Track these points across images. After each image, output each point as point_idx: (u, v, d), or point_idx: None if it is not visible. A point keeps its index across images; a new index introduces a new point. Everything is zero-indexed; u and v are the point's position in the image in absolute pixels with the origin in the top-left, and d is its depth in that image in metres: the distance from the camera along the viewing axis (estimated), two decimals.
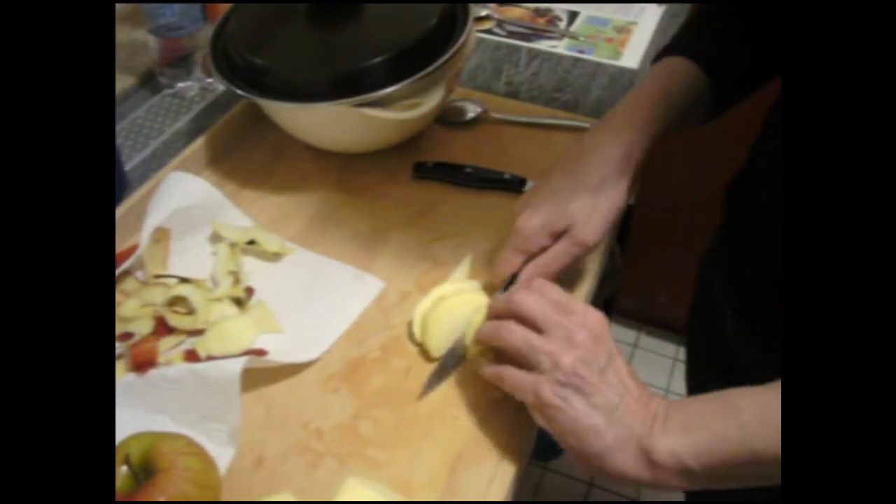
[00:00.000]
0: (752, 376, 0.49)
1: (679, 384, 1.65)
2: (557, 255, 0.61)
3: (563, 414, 0.49)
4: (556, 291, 0.54)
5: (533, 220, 0.60)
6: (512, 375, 0.52)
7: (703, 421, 0.48)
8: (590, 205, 0.60)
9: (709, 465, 0.47)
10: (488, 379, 0.55)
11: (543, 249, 0.61)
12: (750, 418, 0.46)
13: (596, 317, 0.52)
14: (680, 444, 0.47)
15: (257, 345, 0.62)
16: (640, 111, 0.63)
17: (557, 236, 0.60)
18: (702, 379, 0.88)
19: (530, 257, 0.61)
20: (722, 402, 0.49)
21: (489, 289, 0.65)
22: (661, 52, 0.68)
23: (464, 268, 0.68)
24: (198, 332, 0.62)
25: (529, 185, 0.75)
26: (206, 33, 0.85)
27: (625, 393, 0.50)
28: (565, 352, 0.50)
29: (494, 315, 0.56)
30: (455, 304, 0.62)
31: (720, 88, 0.65)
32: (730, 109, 0.68)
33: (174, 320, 0.63)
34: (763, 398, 0.47)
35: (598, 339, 0.51)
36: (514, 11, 1.07)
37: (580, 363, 0.49)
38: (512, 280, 0.62)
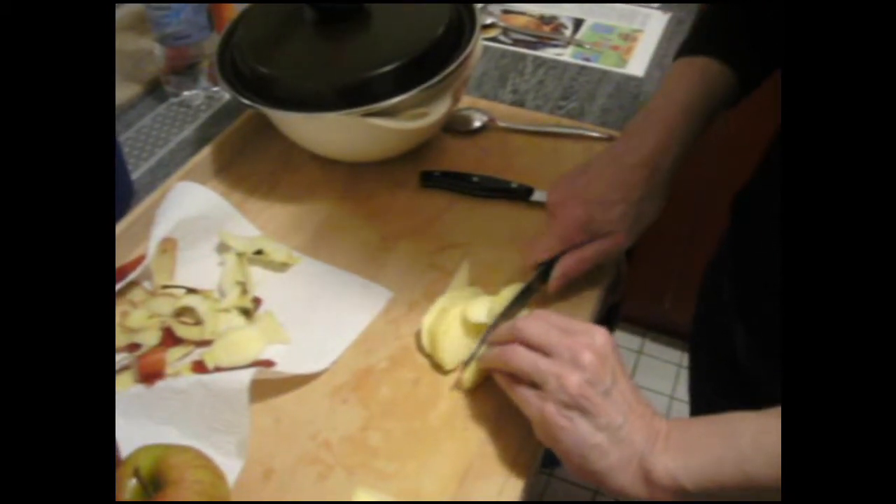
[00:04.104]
0: (763, 391, 0.49)
1: (683, 391, 1.65)
2: (595, 252, 0.64)
3: (567, 434, 0.50)
4: (557, 317, 0.55)
5: (579, 213, 0.62)
6: (521, 389, 0.53)
7: (700, 443, 0.48)
8: (633, 215, 0.63)
9: (704, 486, 0.47)
10: (499, 384, 0.56)
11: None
12: (746, 443, 0.47)
13: (602, 336, 0.53)
14: (677, 464, 0.48)
15: (265, 355, 0.62)
16: (673, 124, 0.64)
17: (594, 234, 0.63)
18: (706, 395, 0.87)
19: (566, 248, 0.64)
20: (721, 424, 0.49)
21: (492, 292, 0.66)
22: (679, 52, 0.68)
23: (462, 276, 0.68)
24: (205, 343, 0.62)
25: (537, 194, 0.75)
26: (212, 42, 0.86)
27: (629, 412, 0.50)
28: (571, 373, 0.50)
29: (499, 342, 0.56)
30: (461, 313, 0.62)
31: (744, 75, 0.66)
32: (756, 89, 0.69)
33: (182, 331, 0.63)
34: (762, 423, 0.47)
35: (604, 360, 0.51)
36: (520, 19, 1.07)
37: (586, 384, 0.50)
38: (546, 266, 0.64)
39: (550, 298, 0.66)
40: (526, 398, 0.52)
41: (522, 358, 0.53)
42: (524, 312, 0.64)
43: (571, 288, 0.67)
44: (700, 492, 0.47)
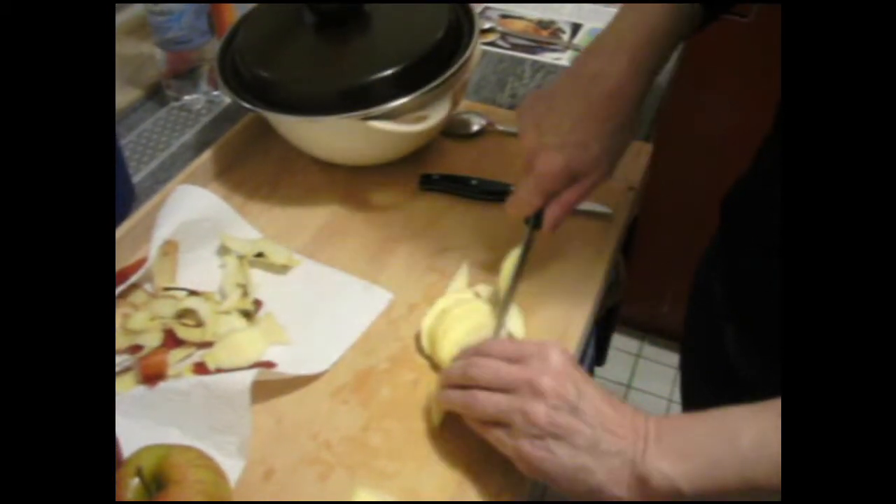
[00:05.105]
0: (755, 390, 0.49)
1: None
2: (579, 196, 0.63)
3: (548, 464, 0.49)
4: (505, 345, 0.54)
5: (556, 162, 0.60)
6: (494, 435, 0.52)
7: (698, 446, 0.47)
8: (609, 150, 0.61)
9: (703, 490, 0.46)
10: (470, 427, 0.54)
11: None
12: (748, 446, 0.45)
13: (556, 355, 0.51)
14: (675, 469, 0.46)
15: (266, 357, 0.62)
16: (643, 47, 0.61)
17: (574, 177, 0.62)
18: (700, 396, 0.87)
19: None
20: (719, 425, 0.48)
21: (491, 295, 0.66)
22: None
23: (462, 277, 0.68)
24: (207, 345, 0.63)
25: None
26: (212, 46, 0.86)
27: (604, 422, 0.49)
28: (534, 405, 0.49)
29: (452, 385, 0.55)
30: (460, 314, 0.63)
31: (709, 2, 0.63)
32: (719, 19, 0.66)
33: (183, 333, 0.63)
34: (762, 422, 0.46)
35: (564, 379, 0.50)
36: (518, 24, 1.08)
37: (552, 411, 0.49)
38: (536, 217, 0.64)
39: (548, 300, 0.67)
40: (499, 440, 0.51)
41: (483, 403, 0.51)
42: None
43: (568, 289, 0.67)
44: (698, 495, 0.47)
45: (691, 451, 0.47)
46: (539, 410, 0.49)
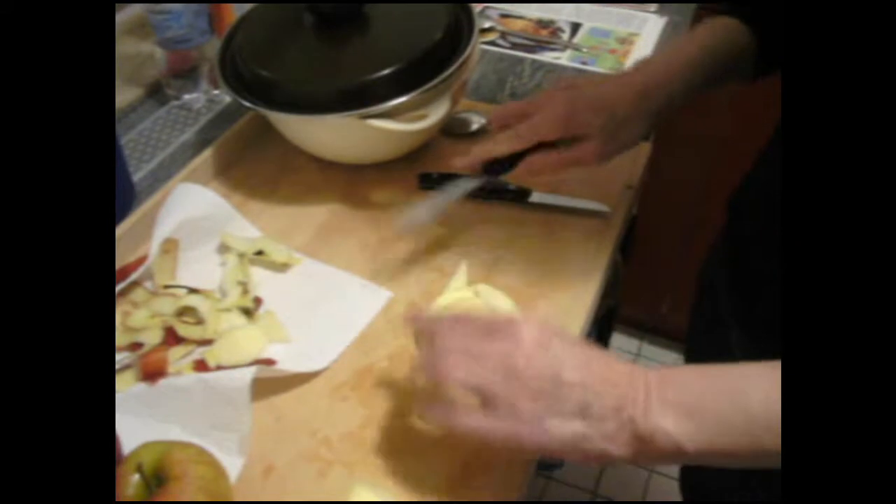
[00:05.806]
0: None
1: None
2: (566, 159, 0.65)
3: (544, 439, 0.47)
4: (471, 326, 0.50)
5: (562, 112, 0.63)
6: (486, 433, 0.48)
7: (705, 404, 0.44)
8: (612, 130, 0.63)
9: (708, 451, 0.44)
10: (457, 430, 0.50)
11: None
12: (757, 407, 0.43)
13: (528, 330, 0.48)
14: (679, 428, 0.44)
15: (266, 354, 0.63)
16: (679, 65, 0.65)
17: (570, 135, 0.63)
18: None
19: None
20: (726, 382, 0.45)
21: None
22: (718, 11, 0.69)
23: (461, 275, 0.68)
24: (207, 342, 0.63)
25: (534, 195, 0.76)
26: (212, 46, 0.87)
27: (592, 385, 0.46)
28: (515, 390, 0.46)
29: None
30: (460, 312, 0.63)
31: (766, 48, 0.66)
32: (777, 71, 0.68)
33: (183, 330, 0.63)
34: (771, 383, 0.43)
35: (542, 350, 0.47)
36: (518, 23, 1.08)
37: (535, 391, 0.46)
38: (508, 164, 0.66)
39: (546, 298, 0.67)
40: (494, 438, 0.48)
41: (468, 420, 0.48)
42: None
43: (567, 287, 0.68)
44: (700, 456, 0.44)
45: (696, 409, 0.44)
46: (521, 396, 0.46)
